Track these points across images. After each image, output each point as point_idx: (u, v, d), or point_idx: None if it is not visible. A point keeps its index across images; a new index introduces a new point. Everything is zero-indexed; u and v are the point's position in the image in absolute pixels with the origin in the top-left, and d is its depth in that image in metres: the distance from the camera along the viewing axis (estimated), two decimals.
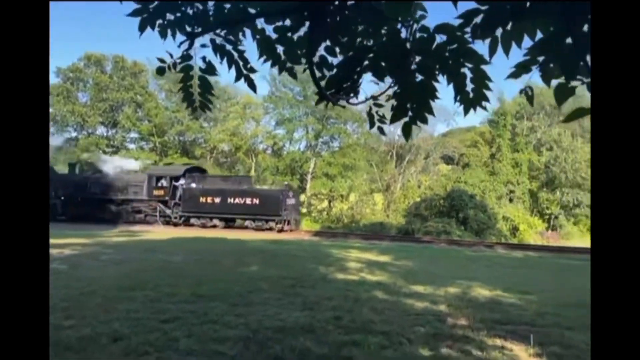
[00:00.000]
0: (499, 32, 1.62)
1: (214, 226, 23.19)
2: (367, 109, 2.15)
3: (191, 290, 6.60)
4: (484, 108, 1.85)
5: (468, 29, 1.61)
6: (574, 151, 37.64)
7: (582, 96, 1.68)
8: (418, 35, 1.72)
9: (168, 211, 24.43)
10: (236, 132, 40.80)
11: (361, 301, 6.31)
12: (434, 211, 32.47)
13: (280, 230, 22.06)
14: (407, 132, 1.91)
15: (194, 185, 24.21)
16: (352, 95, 2.02)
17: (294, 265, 9.95)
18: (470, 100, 1.83)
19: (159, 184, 24.80)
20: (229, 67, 2.33)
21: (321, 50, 2.03)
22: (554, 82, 1.63)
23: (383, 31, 1.87)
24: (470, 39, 1.66)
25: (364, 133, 42.89)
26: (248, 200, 22.72)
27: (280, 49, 2.16)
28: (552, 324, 5.40)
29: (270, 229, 22.28)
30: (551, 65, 1.59)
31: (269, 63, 2.28)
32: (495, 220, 32.08)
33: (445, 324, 5.17)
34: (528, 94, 1.79)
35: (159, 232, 19.34)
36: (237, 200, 22.87)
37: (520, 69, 1.68)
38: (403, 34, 1.74)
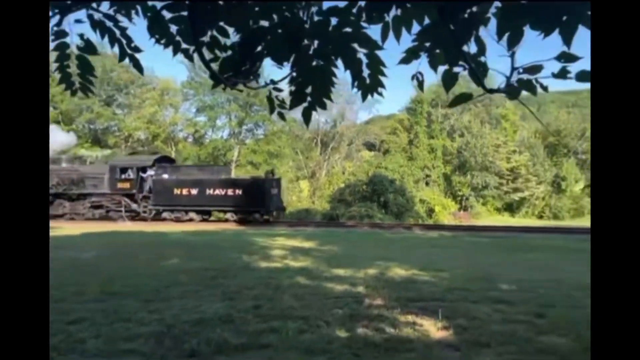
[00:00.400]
0: (390, 17, 1.66)
1: (190, 220, 21.38)
2: (267, 94, 2.10)
3: (101, 288, 6.19)
4: (380, 94, 1.89)
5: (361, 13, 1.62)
6: (483, 137, 40.62)
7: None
8: (316, 18, 1.70)
9: (134, 205, 22.06)
10: (153, 119, 38.76)
11: (283, 288, 6.32)
12: (357, 196, 33.44)
13: (266, 221, 20.99)
14: (306, 118, 1.90)
15: (166, 175, 21.79)
16: (251, 78, 1.96)
17: (216, 256, 9.72)
18: (367, 86, 1.85)
19: (124, 176, 22.04)
20: (111, 45, 2.14)
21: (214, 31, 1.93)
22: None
23: (284, 8, 1.81)
24: (363, 24, 1.68)
25: (288, 120, 42.82)
26: (230, 191, 20.79)
27: (174, 28, 2.03)
28: (460, 298, 5.80)
29: (254, 220, 20.87)
30: (437, 51, 1.66)
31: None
32: (413, 203, 33.82)
33: (362, 304, 5.35)
34: (419, 79, 1.85)
35: (71, 228, 17.89)
36: (217, 192, 20.83)
37: (410, 55, 1.73)
38: (300, 16, 1.71)
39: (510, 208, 42.36)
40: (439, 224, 28.75)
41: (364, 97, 1.89)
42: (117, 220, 21.68)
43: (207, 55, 1.93)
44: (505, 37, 1.51)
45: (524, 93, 1.68)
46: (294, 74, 1.78)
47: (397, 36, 1.73)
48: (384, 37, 1.73)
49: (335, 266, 8.42)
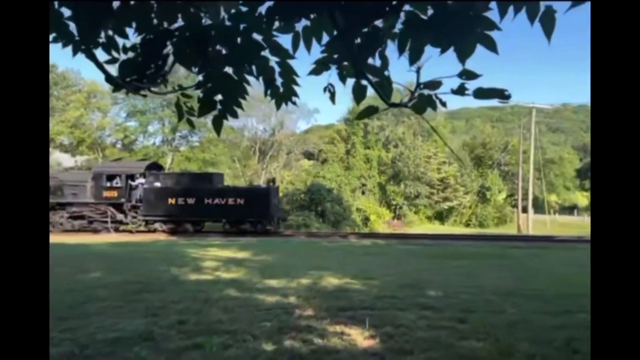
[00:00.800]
0: (300, 27, 1.64)
1: (185, 231, 20.11)
2: (175, 100, 2.00)
3: None
4: (294, 103, 1.86)
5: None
6: (415, 148, 42.36)
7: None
8: (227, 23, 1.64)
9: (120, 216, 20.43)
10: (78, 123, 36.38)
11: (211, 301, 6.10)
12: (295, 205, 33.43)
13: (267, 232, 20.15)
14: (216, 126, 1.82)
15: (158, 184, 20.27)
16: (159, 82, 1.85)
17: (142, 269, 9.22)
18: (281, 95, 1.82)
19: (111, 184, 20.43)
20: None
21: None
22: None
23: (201, 13, 1.72)
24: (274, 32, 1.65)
25: (225, 128, 42.09)
26: (230, 201, 19.78)
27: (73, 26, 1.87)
28: (388, 306, 5.90)
29: (255, 231, 19.98)
30: (345, 63, 1.66)
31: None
32: (350, 211, 34.40)
33: (292, 316, 5.28)
34: (330, 91, 1.85)
35: None
36: (216, 201, 19.79)
37: (320, 66, 1.72)
38: (208, 21, 1.64)
39: (440, 216, 44.38)
40: (373, 232, 29.43)
41: (277, 106, 1.85)
42: (102, 232, 20.21)
43: (105, 56, 1.79)
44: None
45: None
46: (202, 79, 1.71)
47: (308, 46, 1.71)
48: (295, 46, 1.71)
49: (268, 277, 8.29)
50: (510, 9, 1.45)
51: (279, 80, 1.78)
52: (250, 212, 20.10)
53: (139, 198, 20.66)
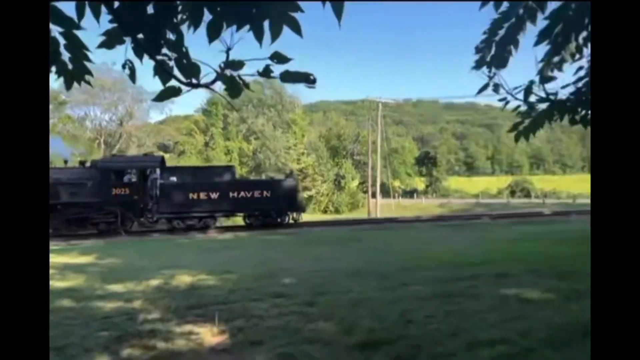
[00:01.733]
0: None
1: (205, 227, 18.92)
2: None
3: None
4: (88, 83, 1.62)
5: None
6: (275, 139, 43.09)
7: None
8: None
9: (129, 215, 18.22)
10: None
11: None
12: None
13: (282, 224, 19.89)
14: None
15: (175, 178, 18.49)
16: None
17: None
18: (71, 73, 1.56)
19: (123, 180, 18.12)
20: None
21: None
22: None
23: None
24: None
25: (62, 117, 37.34)
26: (257, 194, 19.12)
27: None
28: (242, 298, 5.83)
29: (280, 223, 19.63)
30: (140, 36, 1.48)
31: None
32: None
33: (135, 321, 4.85)
34: (130, 68, 1.65)
35: None
36: (242, 194, 18.97)
37: (111, 38, 1.50)
38: None
39: None
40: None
41: (67, 86, 1.58)
42: (112, 235, 17.32)
43: None
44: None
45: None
46: None
47: (96, 15, 1.48)
48: (80, 14, 1.47)
49: (112, 281, 7.53)
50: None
51: (65, 55, 1.52)
52: (276, 206, 19.92)
53: (154, 194, 18.54)
